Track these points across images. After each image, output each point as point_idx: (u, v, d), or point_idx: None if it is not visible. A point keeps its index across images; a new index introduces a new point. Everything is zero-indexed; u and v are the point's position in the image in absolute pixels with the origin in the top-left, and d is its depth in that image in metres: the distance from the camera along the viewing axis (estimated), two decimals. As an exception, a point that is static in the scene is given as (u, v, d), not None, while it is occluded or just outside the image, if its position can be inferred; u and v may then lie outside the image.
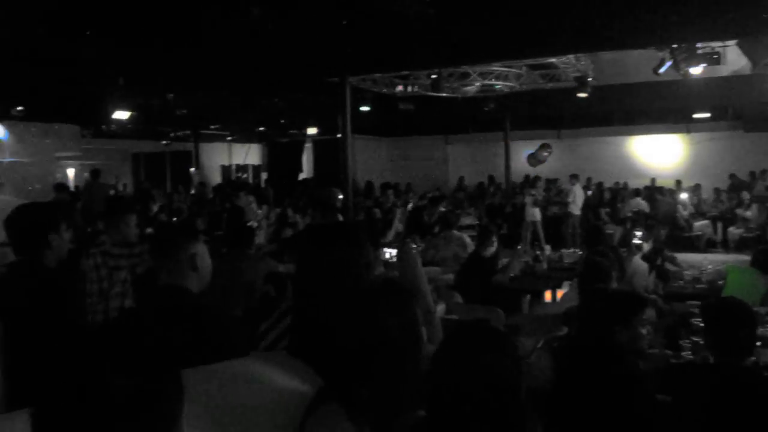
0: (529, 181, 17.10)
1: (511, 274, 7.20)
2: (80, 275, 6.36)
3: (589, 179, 18.15)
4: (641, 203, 15.82)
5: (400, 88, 12.86)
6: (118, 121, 15.03)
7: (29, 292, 2.63)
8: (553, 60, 11.89)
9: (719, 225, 15.09)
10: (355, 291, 1.87)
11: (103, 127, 16.76)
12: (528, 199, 14.88)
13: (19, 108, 13.65)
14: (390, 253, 2.95)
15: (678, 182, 17.70)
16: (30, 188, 13.21)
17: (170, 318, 2.49)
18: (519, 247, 9.77)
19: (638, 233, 6.21)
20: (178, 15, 8.00)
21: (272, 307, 2.92)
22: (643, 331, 3.15)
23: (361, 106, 13.41)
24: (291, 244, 6.92)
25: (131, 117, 14.39)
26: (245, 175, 22.99)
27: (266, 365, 2.01)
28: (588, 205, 15.70)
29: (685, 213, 15.56)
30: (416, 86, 13.05)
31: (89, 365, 1.07)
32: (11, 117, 13.92)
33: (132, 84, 11.90)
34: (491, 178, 20.79)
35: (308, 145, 22.78)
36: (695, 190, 17.16)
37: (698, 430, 2.80)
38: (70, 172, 18.84)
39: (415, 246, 2.32)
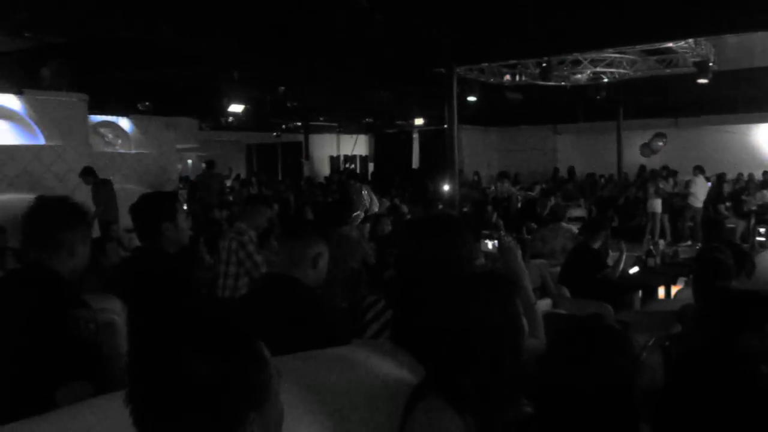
0: (655, 172, 16.41)
1: (623, 270, 6.94)
2: (198, 260, 6.72)
3: (699, 169, 17.12)
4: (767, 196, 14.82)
5: (507, 77, 12.66)
6: (233, 114, 15.70)
7: (147, 277, 2.79)
8: (670, 45, 11.33)
9: None
10: (457, 282, 1.87)
11: (220, 119, 17.55)
12: (651, 190, 14.25)
13: (146, 103, 14.53)
14: (491, 244, 2.94)
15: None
16: (153, 178, 14.00)
17: (280, 304, 2.59)
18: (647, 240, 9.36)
19: (762, 230, 5.82)
20: (288, 9, 8.23)
21: (374, 299, 2.98)
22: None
23: (468, 96, 13.32)
24: (392, 239, 6.99)
25: (245, 110, 14.98)
26: (353, 166, 23.40)
27: (370, 353, 2.06)
28: (708, 198, 14.87)
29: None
30: (524, 75, 12.81)
31: (170, 346, 1.09)
32: (137, 111, 14.83)
33: (246, 78, 12.38)
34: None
35: (415, 136, 22.86)
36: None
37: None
38: (189, 163, 19.84)
39: (511, 237, 2.29)
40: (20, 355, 2.06)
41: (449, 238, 2.17)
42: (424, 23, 8.42)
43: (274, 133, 21.35)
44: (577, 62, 12.25)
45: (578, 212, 14.21)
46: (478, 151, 21.46)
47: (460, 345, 1.73)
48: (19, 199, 10.80)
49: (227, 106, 14.46)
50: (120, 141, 14.90)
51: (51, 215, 2.31)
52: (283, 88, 13.94)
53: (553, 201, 11.06)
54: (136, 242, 3.17)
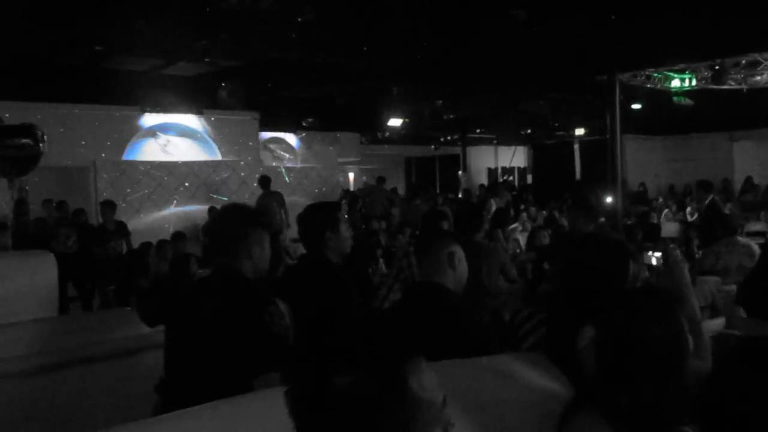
0: None
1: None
2: (360, 269, 6.95)
3: None
4: None
5: (675, 82, 11.96)
6: (393, 128, 16.10)
7: (309, 283, 2.95)
8: None
9: None
10: (618, 297, 1.82)
11: (379, 134, 18.06)
12: None
13: (310, 119, 15.31)
14: (655, 257, 2.79)
15: None
16: (316, 190, 14.68)
17: (424, 312, 2.63)
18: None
19: None
20: (445, 24, 8.33)
21: (530, 312, 2.94)
22: None
23: (632, 103, 12.74)
24: (550, 252, 6.82)
25: (403, 123, 15.31)
26: (510, 178, 23.11)
27: (523, 364, 2.05)
28: None
29: None
30: (694, 80, 12.03)
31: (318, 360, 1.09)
32: (303, 127, 15.65)
33: (405, 93, 12.68)
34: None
35: (575, 147, 22.18)
36: None
37: None
38: (350, 176, 20.55)
39: (678, 251, 2.16)
40: (225, 347, 2.28)
41: (613, 254, 2.13)
42: (584, 30, 8.19)
43: (433, 146, 21.61)
44: (756, 63, 11.32)
45: (758, 226, 13.07)
46: (644, 161, 20.41)
47: (618, 361, 1.68)
48: (198, 210, 11.79)
49: (386, 121, 14.87)
50: (287, 155, 15.81)
51: (230, 222, 2.55)
52: (440, 101, 14.10)
53: (726, 212, 10.27)
54: (301, 250, 3.36)
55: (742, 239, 8.00)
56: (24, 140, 4.20)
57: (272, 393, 1.82)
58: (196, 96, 12.34)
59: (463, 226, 4.85)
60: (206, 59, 10.17)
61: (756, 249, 7.69)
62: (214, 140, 13.08)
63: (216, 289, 2.45)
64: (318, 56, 9.81)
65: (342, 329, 2.71)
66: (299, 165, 15.68)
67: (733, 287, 6.60)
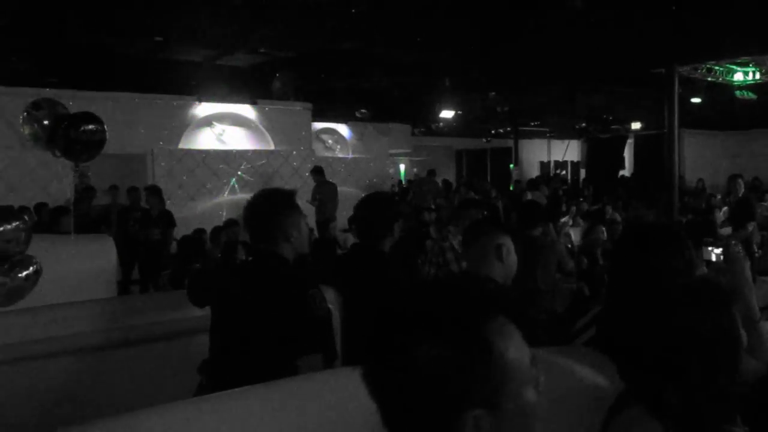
0: None
1: None
2: (409, 260, 6.98)
3: None
4: None
5: (738, 76, 11.58)
6: (444, 120, 16.04)
7: (366, 271, 2.98)
8: None
9: None
10: (670, 292, 1.78)
11: (431, 125, 18.01)
12: None
13: (363, 110, 15.37)
14: (715, 253, 2.73)
15: None
16: (367, 181, 14.72)
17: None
18: None
19: None
20: (499, 14, 8.24)
21: (585, 307, 2.90)
22: None
23: (691, 97, 12.39)
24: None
25: (455, 115, 15.23)
26: (563, 172, 22.77)
27: (573, 358, 2.03)
28: None
29: None
30: (758, 73, 11.62)
31: (398, 331, 1.00)
32: (355, 118, 15.72)
33: (457, 85, 12.60)
34: None
35: (630, 141, 21.70)
36: None
37: None
38: (402, 167, 20.56)
39: (739, 247, 2.10)
40: (266, 328, 2.34)
41: (666, 247, 2.09)
42: (642, 21, 7.99)
43: (484, 139, 21.44)
44: (824, 57, 10.88)
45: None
46: (703, 158, 19.84)
47: (667, 356, 1.65)
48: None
49: (438, 113, 14.83)
50: (339, 146, 15.91)
51: (266, 207, 2.58)
52: (493, 93, 13.97)
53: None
54: (350, 240, 3.40)
55: (805, 239, 7.72)
56: (92, 126, 4.37)
57: (317, 377, 1.86)
58: (251, 86, 12.51)
59: (521, 220, 4.82)
60: (261, 50, 10.31)
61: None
62: (268, 130, 13.24)
63: (257, 273, 2.49)
64: (371, 47, 9.83)
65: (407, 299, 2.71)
66: (350, 156, 15.76)
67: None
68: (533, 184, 16.04)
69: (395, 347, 0.98)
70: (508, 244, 2.71)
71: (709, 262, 3.04)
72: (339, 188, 12.11)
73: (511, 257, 2.72)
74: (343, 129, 15.98)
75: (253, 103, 12.97)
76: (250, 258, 2.78)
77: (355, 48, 10.03)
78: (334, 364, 2.39)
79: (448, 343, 0.96)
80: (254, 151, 12.97)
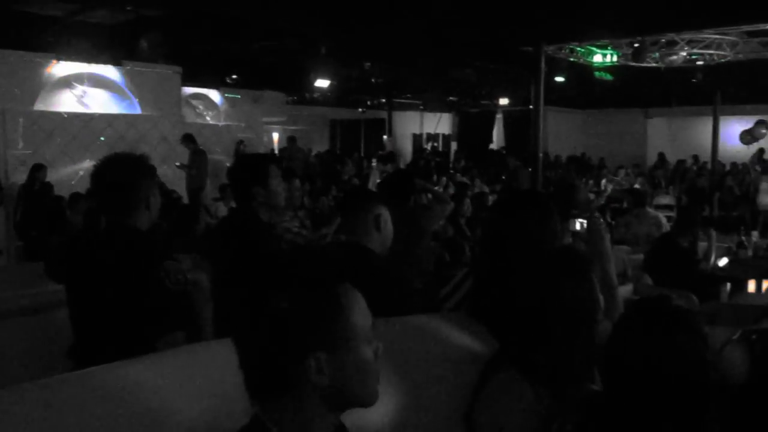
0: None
1: (716, 263, 6.68)
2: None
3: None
4: None
5: (598, 57, 12.27)
6: (319, 89, 15.91)
7: (234, 240, 2.88)
8: (777, 26, 10.70)
9: None
10: (535, 258, 1.87)
11: (306, 94, 17.81)
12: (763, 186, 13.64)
13: (234, 76, 14.93)
14: (580, 224, 2.91)
15: None
16: (240, 149, 14.40)
17: (347, 270, 2.62)
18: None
19: None
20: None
21: (449, 273, 2.98)
22: None
23: (555, 76, 13.01)
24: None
25: (331, 85, 15.15)
26: (435, 144, 23.32)
27: (446, 323, 2.09)
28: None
29: None
30: (615, 56, 12.37)
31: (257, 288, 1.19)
32: (227, 84, 15.25)
33: (333, 54, 12.50)
34: (695, 158, 19.35)
35: (499, 116, 22.56)
36: None
37: None
38: (275, 136, 20.24)
39: (601, 219, 2.25)
40: (119, 306, 2.18)
41: (533, 214, 2.17)
42: (513, 1, 8.27)
43: (359, 109, 21.50)
44: (673, 43, 11.74)
45: (666, 200, 13.75)
46: (564, 134, 20.99)
47: (535, 320, 1.74)
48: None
49: (313, 81, 14.67)
50: (210, 113, 15.40)
51: (121, 173, 2.36)
52: (369, 64, 14.00)
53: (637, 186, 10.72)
54: (222, 210, 3.29)
55: (651, 211, 8.39)
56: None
57: (172, 353, 1.75)
58: (115, 46, 11.78)
59: (393, 192, 4.84)
60: (127, 7, 9.73)
61: (663, 220, 8.10)
62: (134, 93, 12.58)
63: (109, 245, 2.32)
64: (244, 11, 9.54)
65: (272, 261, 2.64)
66: (222, 123, 15.33)
67: (641, 256, 6.94)
68: (383, 159, 16.37)
69: (257, 297, 1.16)
70: (385, 215, 2.73)
71: (574, 232, 3.23)
72: (210, 156, 11.80)
73: (388, 227, 2.75)
74: (214, 95, 15.48)
75: (117, 64, 12.25)
76: (101, 230, 2.55)
77: (227, 10, 9.67)
78: (203, 338, 2.31)
79: (304, 296, 1.15)
80: (119, 115, 12.29)
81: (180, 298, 2.20)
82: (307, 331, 1.13)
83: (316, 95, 17.59)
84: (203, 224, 6.28)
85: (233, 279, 2.67)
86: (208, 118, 15.26)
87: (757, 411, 2.88)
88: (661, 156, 19.88)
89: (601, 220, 2.48)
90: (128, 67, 12.39)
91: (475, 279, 2.34)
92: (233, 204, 3.25)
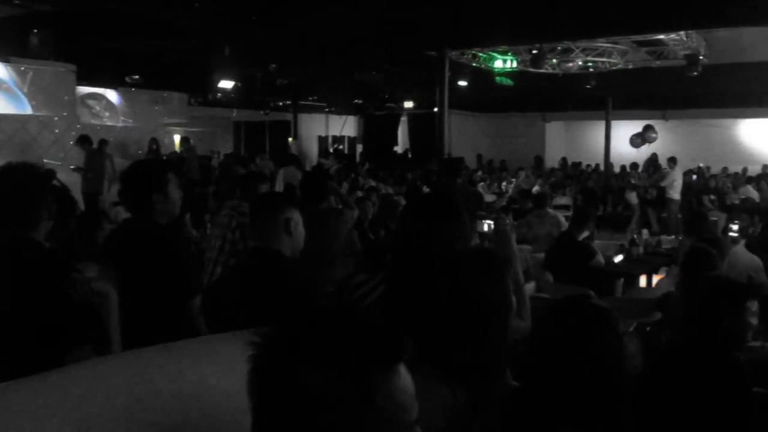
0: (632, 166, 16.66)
1: (607, 258, 7.04)
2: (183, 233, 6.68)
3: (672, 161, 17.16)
4: (750, 191, 14.99)
5: (498, 63, 12.67)
6: (223, 90, 15.61)
7: (136, 248, 2.77)
8: (661, 37, 11.38)
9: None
10: (449, 259, 1.91)
11: (209, 95, 17.42)
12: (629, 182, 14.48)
13: (134, 76, 14.41)
14: (487, 225, 3.00)
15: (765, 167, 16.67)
16: (140, 152, 13.94)
17: (261, 278, 2.59)
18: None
19: (734, 227, 5.85)
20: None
21: (365, 278, 3.00)
22: (752, 320, 3.04)
23: (458, 80, 13.31)
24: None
25: (235, 86, 14.90)
26: (341, 146, 23.34)
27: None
28: (692, 191, 15.04)
29: (797, 202, 14.62)
30: (515, 61, 12.82)
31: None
32: (125, 84, 14.70)
33: (237, 54, 12.30)
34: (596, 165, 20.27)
35: (404, 119, 22.85)
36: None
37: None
38: (176, 138, 19.71)
39: (508, 220, 2.34)
40: (28, 322, 2.09)
41: (445, 216, 2.21)
42: (417, 6, 8.40)
43: (263, 111, 21.23)
44: (569, 50, 12.29)
45: (564, 200, 14.34)
46: (467, 137, 21.50)
47: (451, 320, 1.77)
48: (4, 168, 10.73)
49: (217, 82, 14.37)
50: (107, 113, 14.81)
51: (22, 184, 2.28)
52: (274, 65, 13.86)
53: (537, 188, 11.13)
54: (122, 215, 3.14)
55: (551, 211, 8.72)
56: None
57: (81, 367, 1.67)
58: (4, 41, 11.14)
59: (308, 194, 4.81)
60: (15, 1, 9.21)
61: (562, 220, 8.44)
62: (23, 92, 11.93)
63: (11, 260, 2.21)
64: (144, 8, 9.23)
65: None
66: (120, 124, 14.77)
67: (542, 255, 7.21)
68: (282, 162, 16.29)
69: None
70: (296, 218, 2.71)
71: (481, 233, 3.33)
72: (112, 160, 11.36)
73: (299, 230, 2.74)
74: (112, 95, 14.90)
75: (5, 60, 11.58)
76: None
77: (126, 7, 9.33)
78: (113, 350, 2.23)
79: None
80: (8, 116, 11.62)
81: (87, 311, 2.11)
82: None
83: (219, 96, 17.23)
84: (106, 230, 6.04)
85: (142, 288, 2.58)
86: (105, 119, 14.66)
87: (652, 398, 3.06)
88: (564, 160, 20.67)
89: (508, 221, 2.56)
90: (18, 65, 11.74)
91: (388, 282, 2.37)
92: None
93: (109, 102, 14.84)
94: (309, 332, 0.97)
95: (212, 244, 4.94)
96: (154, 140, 13.87)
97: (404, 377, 0.99)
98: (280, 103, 20.85)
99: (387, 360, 0.97)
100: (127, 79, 14.44)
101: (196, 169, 13.90)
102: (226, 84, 14.50)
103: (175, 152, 15.71)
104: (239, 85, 15.01)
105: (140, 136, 14.49)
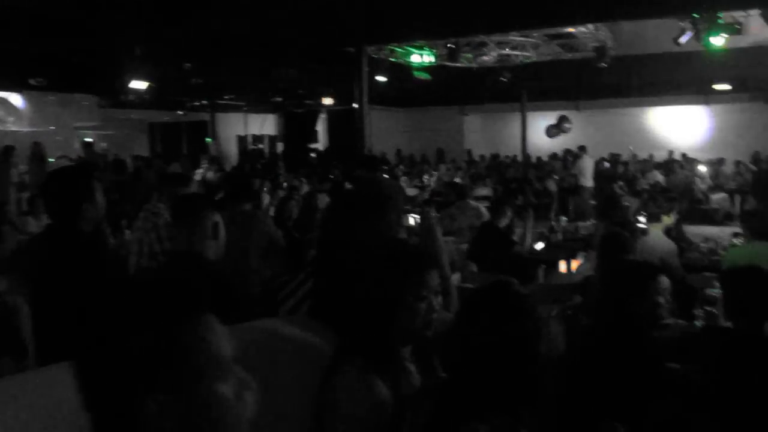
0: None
1: (532, 246, 7.23)
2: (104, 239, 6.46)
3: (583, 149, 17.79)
4: (658, 176, 15.70)
5: (415, 57, 12.78)
6: (135, 91, 15.11)
7: (59, 256, 2.67)
8: (571, 30, 11.75)
9: (737, 198, 14.93)
10: (377, 254, 1.91)
11: (121, 97, 16.83)
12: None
13: (39, 78, 13.77)
14: (414, 219, 3.02)
15: (683, 155, 17.54)
16: (51, 160, 13.34)
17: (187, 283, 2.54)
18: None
19: (642, 219, 6.11)
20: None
21: (290, 277, 2.97)
22: (661, 300, 3.17)
23: (377, 76, 13.35)
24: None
25: (148, 87, 14.46)
26: (261, 146, 23.03)
27: (285, 326, 2.07)
28: (604, 177, 15.63)
29: (702, 186, 15.41)
30: (432, 56, 12.95)
31: (109, 321, 1.07)
32: (30, 87, 14.03)
33: (149, 54, 11.94)
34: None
35: (323, 116, 22.75)
36: (717, 163, 16.92)
37: (710, 392, 2.85)
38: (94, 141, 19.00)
39: (434, 214, 2.35)
40: None
41: (371, 211, 2.21)
42: (334, 2, 8.37)
43: (179, 112, 20.71)
44: (484, 44, 12.52)
45: (485, 191, 14.62)
46: (388, 132, 21.62)
47: (378, 314, 1.78)
48: None
49: (128, 83, 13.91)
50: (11, 118, 14.11)
51: None
52: (188, 64, 13.52)
53: (457, 179, 11.30)
54: (30, 225, 3.01)
55: (472, 203, 8.87)
56: None
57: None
58: None
59: (232, 195, 4.72)
60: None
61: (484, 211, 8.59)
62: None
63: None
64: (47, 6, 8.83)
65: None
66: (26, 129, 14.11)
67: (465, 246, 7.34)
68: (168, 158, 16.06)
69: (102, 337, 1.04)
70: (220, 221, 2.68)
71: (408, 227, 3.34)
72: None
73: (222, 234, 2.70)
74: (16, 98, 14.20)
75: None
76: None
77: (27, 5, 8.90)
78: (26, 363, 2.13)
79: (145, 336, 1.02)
80: None
81: (4, 325, 2.01)
82: (142, 371, 1.02)
83: (132, 98, 16.67)
84: (12, 242, 5.79)
85: (70, 297, 2.48)
86: (9, 125, 13.97)
87: (575, 379, 3.16)
88: (483, 156, 21.03)
89: (433, 214, 2.58)
90: None
91: (315, 279, 2.35)
92: (46, 219, 2.96)
93: (12, 105, 14.15)
94: (124, 305, 1.08)
95: (133, 250, 4.82)
96: (37, 144, 13.04)
97: (213, 324, 1.10)
98: (197, 103, 20.38)
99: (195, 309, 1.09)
100: (31, 81, 13.78)
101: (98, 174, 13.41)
102: (139, 85, 14.06)
103: (81, 157, 15.13)
104: (153, 85, 14.58)
105: (49, 142, 13.86)
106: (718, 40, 9.47)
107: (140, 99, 16.92)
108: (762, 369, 2.83)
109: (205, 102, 20.15)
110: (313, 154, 21.75)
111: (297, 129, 23.00)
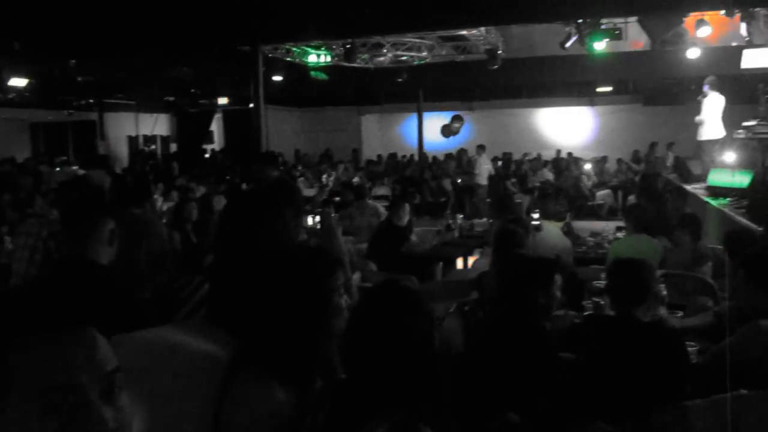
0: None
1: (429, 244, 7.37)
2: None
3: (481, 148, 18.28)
4: (547, 174, 16.37)
5: (312, 57, 12.73)
6: (15, 89, 14.24)
7: None
8: (464, 33, 12.05)
9: (620, 194, 15.77)
10: (279, 257, 1.89)
11: None
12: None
13: None
14: (312, 219, 3.00)
15: (569, 154, 18.40)
16: None
17: (82, 289, 2.44)
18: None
19: (535, 215, 6.38)
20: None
21: (185, 281, 2.90)
22: (557, 293, 3.33)
23: (273, 75, 13.20)
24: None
25: (29, 84, 13.67)
26: (153, 146, 22.24)
27: (181, 332, 2.01)
28: (497, 176, 16.14)
29: (588, 183, 16.19)
30: (329, 56, 12.95)
31: None
32: None
33: (29, 49, 11.28)
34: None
35: (219, 116, 22.26)
36: (601, 162, 17.82)
37: (599, 378, 3.00)
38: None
39: (333, 214, 2.36)
40: None
41: (267, 212, 2.18)
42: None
43: (66, 112, 19.65)
44: (380, 45, 12.63)
45: (383, 191, 14.78)
46: (285, 132, 21.42)
47: (280, 318, 1.76)
48: None
49: (7, 80, 13.09)
50: None
51: None
52: (73, 61, 12.87)
53: (356, 179, 11.36)
54: None
55: (371, 202, 8.96)
56: None
57: None
58: None
59: (125, 198, 4.56)
60: None
61: (382, 210, 8.70)
62: None
63: None
64: None
65: None
66: None
67: (365, 245, 7.40)
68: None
69: None
70: (114, 227, 2.58)
71: (306, 228, 3.33)
72: None
73: (115, 239, 2.61)
74: None
75: None
76: None
77: None
78: None
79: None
80: None
81: None
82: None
83: (11, 96, 15.68)
84: None
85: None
86: None
87: (474, 373, 3.25)
88: (383, 156, 21.18)
89: (333, 214, 2.58)
90: None
91: (212, 283, 2.30)
92: None
93: None
94: None
95: (18, 256, 4.57)
96: None
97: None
98: (84, 102, 19.41)
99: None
100: None
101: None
102: (19, 82, 13.25)
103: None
104: (34, 82, 13.78)
105: None
106: (599, 45, 9.98)
107: (22, 97, 15.95)
108: (633, 347, 3.03)
109: (92, 101, 19.24)
110: (207, 155, 21.26)
111: (191, 129, 22.36)
